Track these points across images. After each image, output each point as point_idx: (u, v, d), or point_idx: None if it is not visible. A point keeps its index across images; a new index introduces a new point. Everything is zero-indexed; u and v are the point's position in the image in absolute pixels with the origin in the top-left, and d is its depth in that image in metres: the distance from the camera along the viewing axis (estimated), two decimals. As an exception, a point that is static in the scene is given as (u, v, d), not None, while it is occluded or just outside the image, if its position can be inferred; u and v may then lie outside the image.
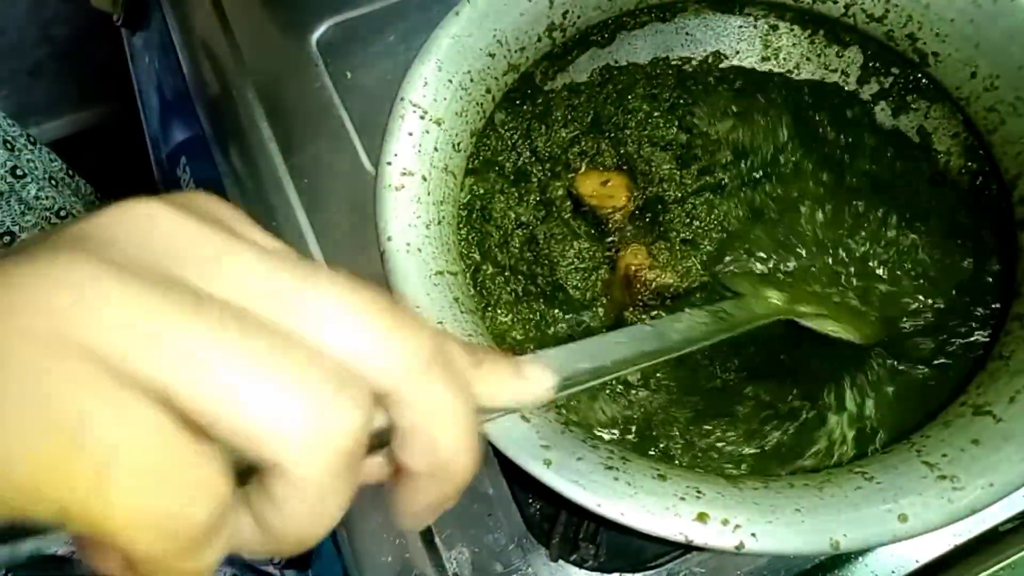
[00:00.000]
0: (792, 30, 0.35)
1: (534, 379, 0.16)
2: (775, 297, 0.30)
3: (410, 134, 0.27)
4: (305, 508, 0.11)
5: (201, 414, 0.10)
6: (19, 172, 0.50)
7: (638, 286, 0.32)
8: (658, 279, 0.32)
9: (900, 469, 0.24)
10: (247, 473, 0.11)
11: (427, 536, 0.31)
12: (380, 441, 0.13)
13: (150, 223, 0.11)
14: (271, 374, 0.11)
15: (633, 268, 0.32)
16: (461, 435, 0.13)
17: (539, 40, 0.32)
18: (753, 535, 0.22)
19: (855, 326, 0.30)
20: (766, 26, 0.35)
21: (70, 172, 0.56)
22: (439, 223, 0.27)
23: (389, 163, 0.27)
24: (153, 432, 0.10)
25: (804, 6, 0.33)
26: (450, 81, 0.29)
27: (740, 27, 0.36)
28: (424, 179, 0.27)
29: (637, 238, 0.33)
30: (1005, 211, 0.30)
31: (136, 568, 0.10)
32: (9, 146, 0.51)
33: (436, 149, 0.28)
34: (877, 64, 0.34)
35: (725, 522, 0.22)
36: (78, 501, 0.10)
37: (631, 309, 0.31)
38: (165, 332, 0.10)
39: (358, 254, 0.38)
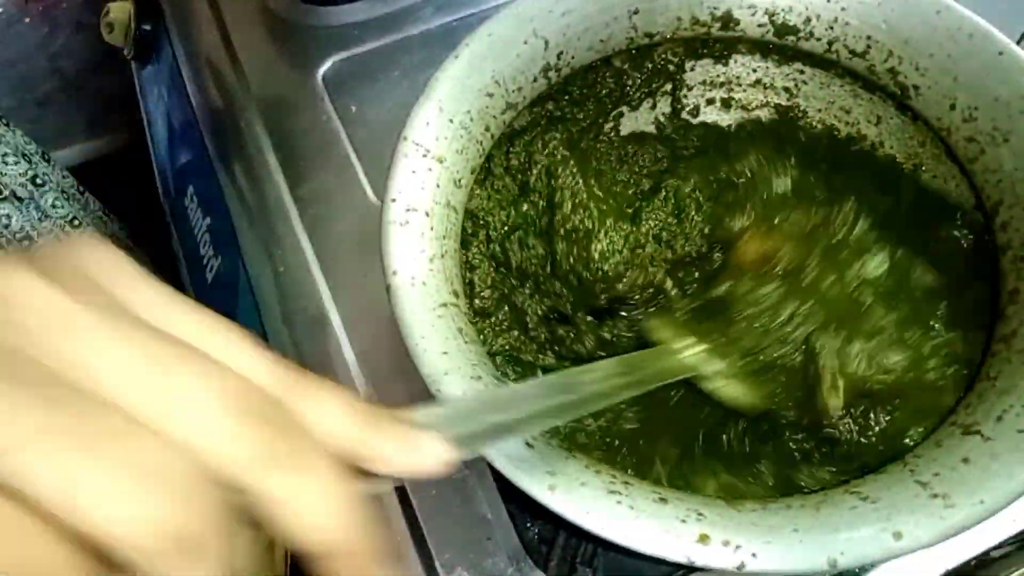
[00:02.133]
0: (778, 69, 0.37)
1: (428, 453, 0.15)
2: (691, 349, 0.29)
3: (413, 172, 0.29)
4: None
5: (46, 508, 0.11)
6: (39, 181, 0.52)
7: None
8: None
9: (894, 488, 0.25)
10: None
11: (427, 560, 0.32)
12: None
13: (9, 297, 0.11)
14: (106, 473, 0.11)
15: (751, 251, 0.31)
16: (322, 514, 0.13)
17: (535, 80, 0.33)
18: (753, 555, 0.23)
19: (758, 393, 0.29)
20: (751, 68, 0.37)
21: (80, 189, 0.57)
22: (442, 256, 0.28)
23: (394, 200, 0.28)
24: (9, 531, 0.11)
25: (788, 44, 0.35)
26: (451, 121, 0.30)
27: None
28: (427, 215, 0.28)
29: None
30: (988, 236, 0.31)
31: None
32: (28, 159, 0.53)
33: (438, 186, 0.29)
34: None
35: (726, 543, 0.23)
36: None
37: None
38: (8, 434, 0.10)
39: (362, 282, 0.39)
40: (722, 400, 0.29)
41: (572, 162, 0.33)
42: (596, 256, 0.32)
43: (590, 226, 0.32)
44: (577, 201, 0.32)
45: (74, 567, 0.11)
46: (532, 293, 0.32)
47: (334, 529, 0.13)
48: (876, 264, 0.31)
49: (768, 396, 0.29)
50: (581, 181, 0.33)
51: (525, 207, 0.33)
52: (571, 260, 0.32)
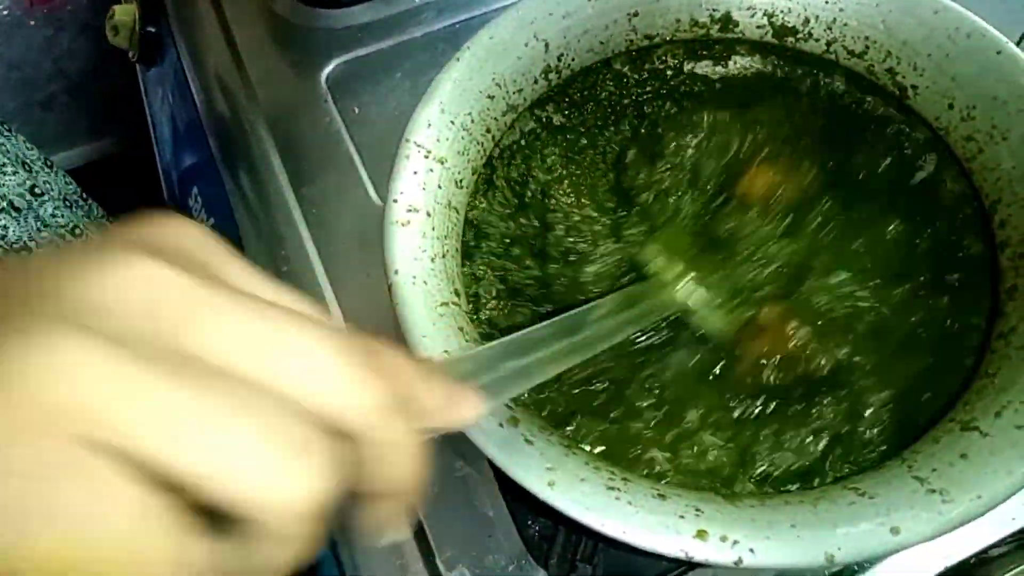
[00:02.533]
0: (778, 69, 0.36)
1: (467, 407, 0.17)
2: (681, 279, 0.30)
3: (415, 173, 0.29)
4: (281, 551, 0.12)
5: (179, 479, 0.11)
6: (37, 191, 0.52)
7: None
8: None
9: (892, 484, 0.25)
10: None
11: (428, 557, 0.32)
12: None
13: (128, 283, 0.12)
14: (246, 443, 0.11)
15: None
16: (409, 463, 0.14)
17: (536, 82, 0.34)
18: (751, 550, 0.23)
19: (732, 317, 0.30)
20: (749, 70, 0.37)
21: (83, 195, 0.58)
22: (443, 256, 0.29)
23: (395, 200, 0.28)
24: (134, 509, 0.11)
25: (788, 45, 0.35)
26: (452, 123, 0.30)
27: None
28: (429, 215, 0.29)
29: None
30: (986, 233, 0.31)
31: None
32: (28, 168, 0.53)
33: (440, 187, 0.29)
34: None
35: (724, 538, 0.23)
36: (69, 572, 0.10)
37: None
38: (153, 413, 0.11)
39: (365, 282, 0.39)
40: (706, 331, 0.30)
41: (567, 181, 0.33)
42: (589, 279, 0.32)
43: (583, 249, 0.32)
44: (570, 224, 0.32)
45: (187, 547, 0.11)
46: (531, 314, 0.33)
47: (409, 476, 0.14)
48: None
49: (739, 327, 0.30)
50: (574, 200, 0.33)
51: (523, 220, 0.34)
52: (563, 283, 0.32)
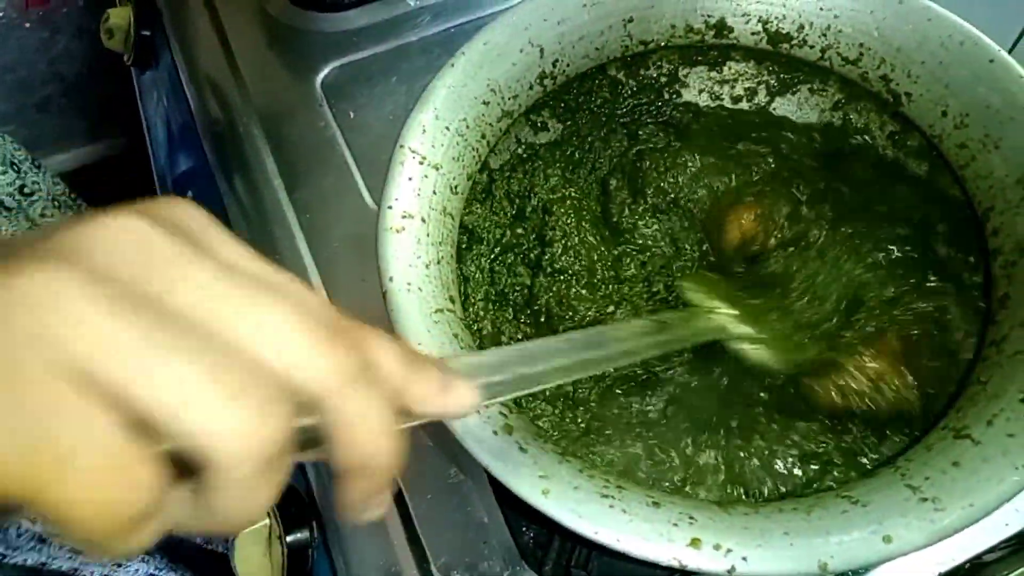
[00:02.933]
0: (772, 76, 0.37)
1: (460, 397, 0.17)
2: (723, 312, 0.30)
3: (410, 179, 0.29)
4: (235, 497, 0.13)
5: (150, 419, 0.12)
6: (26, 191, 0.52)
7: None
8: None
9: (884, 492, 0.25)
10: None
11: (423, 564, 0.32)
12: (315, 437, 0.15)
13: (121, 237, 0.13)
14: (210, 389, 0.13)
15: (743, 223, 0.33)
16: (378, 438, 0.15)
17: (531, 88, 0.34)
18: (744, 559, 0.23)
19: (789, 355, 0.30)
20: (742, 74, 0.37)
21: (72, 196, 0.58)
22: (438, 263, 0.29)
23: (390, 207, 0.28)
24: (104, 436, 0.12)
25: (782, 51, 0.35)
26: (447, 128, 0.30)
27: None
28: (423, 221, 0.29)
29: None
30: (980, 241, 0.31)
31: (83, 542, 0.12)
32: (16, 168, 0.53)
33: (435, 192, 0.29)
34: (856, 105, 0.35)
35: (717, 547, 0.23)
36: (38, 489, 0.12)
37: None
38: (124, 348, 0.12)
39: (359, 286, 0.39)
40: (748, 362, 0.30)
41: (569, 202, 0.34)
42: (580, 299, 0.32)
43: (577, 270, 0.33)
44: (568, 244, 0.33)
45: (148, 475, 0.13)
46: (513, 319, 0.33)
47: (380, 452, 0.15)
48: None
49: (795, 362, 0.30)
50: (574, 222, 0.33)
51: (520, 231, 0.34)
52: (548, 296, 0.32)
